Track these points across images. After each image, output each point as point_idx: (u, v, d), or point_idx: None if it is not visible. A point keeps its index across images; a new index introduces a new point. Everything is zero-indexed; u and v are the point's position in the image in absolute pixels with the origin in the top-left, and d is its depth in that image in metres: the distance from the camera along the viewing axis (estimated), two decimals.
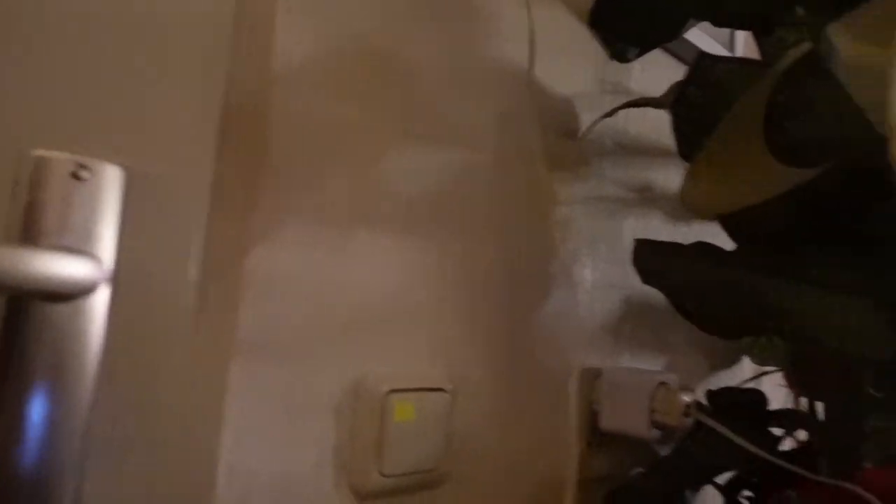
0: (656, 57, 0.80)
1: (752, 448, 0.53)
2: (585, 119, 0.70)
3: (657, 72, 0.80)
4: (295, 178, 0.46)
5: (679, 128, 0.53)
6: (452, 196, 0.57)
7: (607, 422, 0.63)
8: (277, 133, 0.44)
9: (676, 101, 0.53)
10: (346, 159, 0.49)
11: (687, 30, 0.67)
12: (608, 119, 0.71)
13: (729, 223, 0.53)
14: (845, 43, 0.39)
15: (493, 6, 0.61)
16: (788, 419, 0.65)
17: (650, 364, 0.75)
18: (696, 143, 0.50)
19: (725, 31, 0.95)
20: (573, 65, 0.69)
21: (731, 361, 0.87)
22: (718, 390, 0.72)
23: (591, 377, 0.65)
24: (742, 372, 0.88)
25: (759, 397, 0.70)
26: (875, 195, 0.43)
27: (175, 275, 0.39)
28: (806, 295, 0.47)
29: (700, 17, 0.57)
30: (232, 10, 0.43)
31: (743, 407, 0.70)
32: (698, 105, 0.51)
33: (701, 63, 0.51)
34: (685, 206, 0.52)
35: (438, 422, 0.52)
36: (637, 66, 0.78)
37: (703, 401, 0.72)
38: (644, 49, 0.74)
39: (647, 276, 0.60)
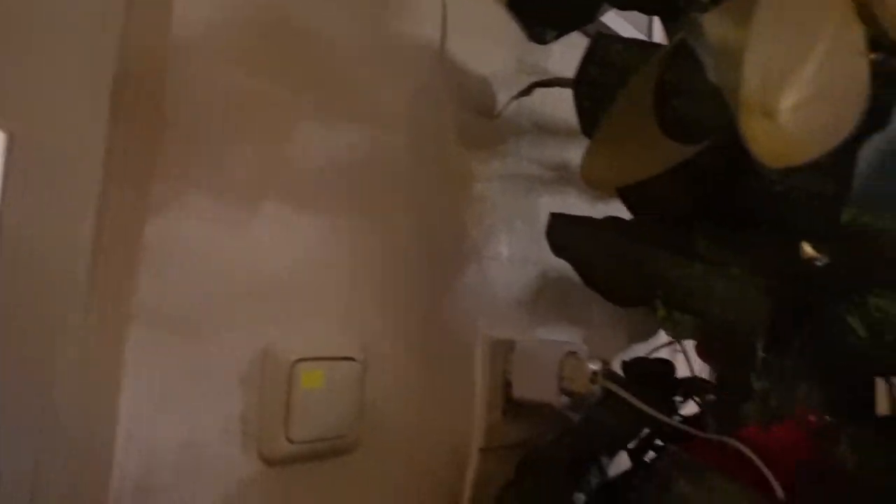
0: (575, 39, 0.83)
1: (649, 410, 0.56)
2: (503, 99, 0.72)
3: (577, 53, 0.82)
4: (198, 149, 0.46)
5: (580, 105, 0.55)
6: (365, 171, 0.58)
7: (519, 391, 0.65)
8: (177, 101, 0.44)
9: (577, 79, 0.55)
10: (253, 132, 0.50)
11: (602, 13, 0.70)
12: (525, 99, 0.73)
13: (627, 198, 0.55)
14: (714, 27, 0.42)
15: None
16: (692, 385, 0.69)
17: (567, 336, 0.78)
18: (595, 121, 0.53)
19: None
20: (491, 45, 0.71)
21: (647, 334, 0.91)
22: (631, 360, 0.76)
23: (505, 348, 0.67)
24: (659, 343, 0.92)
25: (667, 367, 0.73)
26: (746, 172, 0.46)
27: (68, 241, 0.39)
28: (691, 267, 0.50)
29: (610, 2, 0.59)
30: None
31: (652, 376, 0.74)
32: (597, 84, 0.53)
33: (598, 43, 0.53)
34: (585, 182, 0.54)
35: (348, 390, 0.53)
36: (556, 47, 0.80)
37: (620, 371, 0.75)
38: (562, 32, 0.76)
39: (557, 249, 0.62)
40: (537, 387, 0.64)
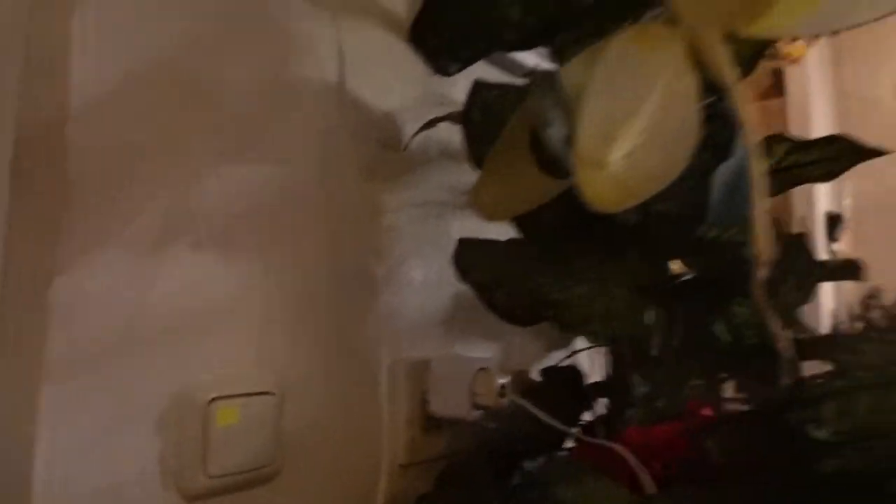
0: (482, 69, 0.88)
1: (546, 418, 0.61)
2: (410, 130, 0.76)
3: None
4: (104, 205, 0.49)
5: (468, 142, 0.60)
6: (274, 210, 0.61)
7: (436, 407, 0.70)
8: (80, 161, 0.47)
9: (462, 120, 0.59)
10: (159, 182, 0.52)
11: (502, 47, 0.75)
12: (433, 130, 0.77)
13: (518, 224, 0.60)
14: (570, 77, 0.47)
15: (304, 27, 0.65)
16: (596, 391, 0.75)
17: (486, 351, 0.82)
18: (482, 156, 0.57)
19: None
20: (394, 80, 0.75)
21: (566, 341, 0.97)
22: (546, 368, 0.81)
23: (422, 368, 0.71)
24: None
25: (574, 373, 0.79)
26: None
27: None
28: (575, 288, 0.55)
29: (489, 46, 0.64)
30: (22, 49, 0.45)
31: (564, 382, 0.79)
32: (479, 124, 0.58)
33: (476, 90, 0.58)
34: (474, 212, 0.59)
35: (265, 423, 0.56)
36: (462, 77, 0.85)
37: (540, 378, 0.80)
38: (465, 64, 0.81)
39: (462, 273, 0.66)
40: (452, 403, 0.68)
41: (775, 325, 0.54)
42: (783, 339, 0.54)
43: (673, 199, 0.55)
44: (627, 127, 0.41)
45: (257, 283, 0.59)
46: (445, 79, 0.82)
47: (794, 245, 0.62)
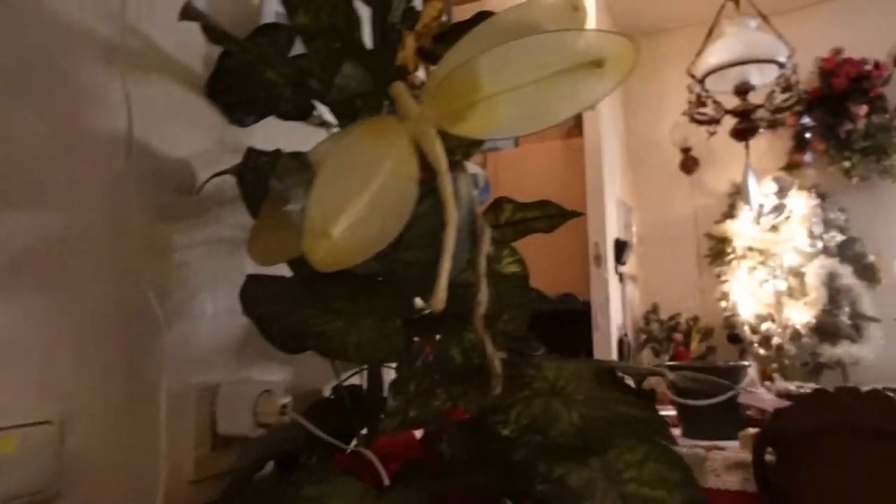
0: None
1: (316, 431, 0.72)
2: (205, 176, 0.83)
3: (279, 131, 0.96)
4: None
5: (244, 198, 0.69)
6: (60, 251, 0.66)
7: (223, 427, 0.78)
8: None
9: (238, 178, 0.69)
10: None
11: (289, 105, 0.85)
12: (228, 174, 0.85)
13: (290, 265, 0.71)
14: (316, 155, 0.58)
15: (93, 80, 0.71)
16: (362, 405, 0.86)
17: (277, 376, 0.91)
18: (256, 209, 0.67)
19: None
20: (187, 130, 0.82)
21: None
22: (334, 387, 0.92)
23: (212, 392, 0.79)
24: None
25: (358, 390, 0.90)
26: None
27: None
28: (331, 321, 0.66)
29: (271, 112, 0.74)
30: None
31: (349, 398, 0.90)
32: (251, 185, 0.68)
33: (249, 155, 0.68)
34: (251, 258, 0.69)
35: (43, 450, 0.61)
36: (259, 128, 0.94)
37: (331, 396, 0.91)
38: (260, 117, 0.91)
39: (245, 307, 0.75)
40: (237, 422, 0.77)
41: (490, 348, 0.70)
42: (495, 359, 0.69)
43: (417, 250, 0.70)
44: (354, 203, 0.54)
45: (41, 319, 0.63)
46: (242, 129, 0.91)
47: (514, 284, 0.79)
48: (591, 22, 3.15)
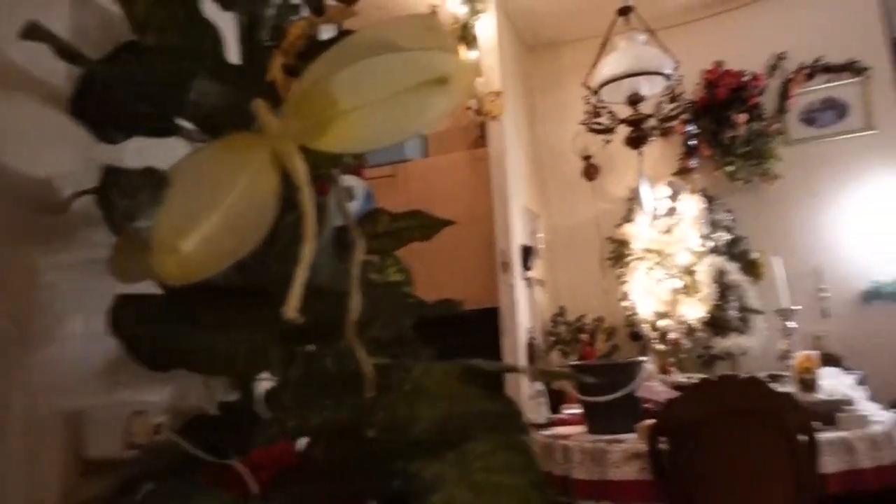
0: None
1: (190, 448, 0.71)
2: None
3: (157, 147, 0.95)
4: None
5: (104, 217, 0.69)
6: None
7: (92, 451, 0.76)
8: None
9: (97, 197, 0.68)
10: None
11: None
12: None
13: (159, 282, 0.71)
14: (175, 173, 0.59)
15: None
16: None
17: (156, 396, 0.90)
18: (117, 229, 0.67)
19: None
20: (52, 148, 0.80)
21: None
22: (221, 403, 0.91)
23: (80, 416, 0.77)
24: None
25: (246, 404, 0.90)
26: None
27: None
28: (200, 336, 0.67)
29: (137, 129, 0.74)
30: None
31: (238, 413, 0.90)
32: (110, 202, 0.67)
33: (107, 173, 0.68)
34: (113, 275, 0.68)
35: None
36: (133, 144, 0.92)
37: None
38: (129, 134, 0.89)
39: (112, 327, 0.74)
40: (107, 445, 0.75)
41: (362, 354, 0.72)
42: (367, 365, 0.71)
43: (286, 262, 0.71)
44: (205, 217, 0.55)
45: None
46: (113, 146, 0.89)
47: (389, 291, 0.82)
48: (494, 36, 3.25)
